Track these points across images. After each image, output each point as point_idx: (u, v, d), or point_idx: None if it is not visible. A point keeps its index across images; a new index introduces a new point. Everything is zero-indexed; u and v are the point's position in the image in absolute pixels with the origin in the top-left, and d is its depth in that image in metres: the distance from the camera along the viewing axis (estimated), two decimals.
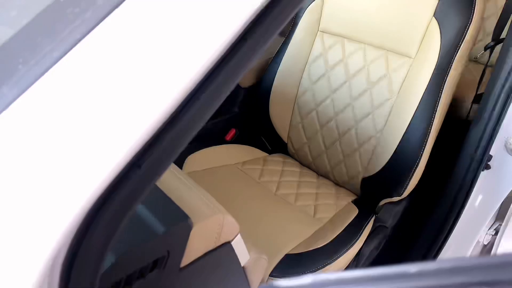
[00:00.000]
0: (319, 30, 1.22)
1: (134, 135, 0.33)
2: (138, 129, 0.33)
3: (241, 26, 0.36)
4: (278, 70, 1.28)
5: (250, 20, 0.37)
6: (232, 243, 0.57)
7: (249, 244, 0.61)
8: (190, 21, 0.36)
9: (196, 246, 0.51)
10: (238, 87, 1.37)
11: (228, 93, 0.39)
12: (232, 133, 1.36)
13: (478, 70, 1.46)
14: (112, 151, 0.33)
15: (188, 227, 0.48)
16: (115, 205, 0.33)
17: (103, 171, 0.32)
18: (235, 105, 1.39)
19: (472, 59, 1.17)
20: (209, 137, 1.32)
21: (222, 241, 0.55)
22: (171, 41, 0.36)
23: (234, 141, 1.36)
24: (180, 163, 1.16)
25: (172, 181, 0.54)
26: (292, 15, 0.40)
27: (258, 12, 0.37)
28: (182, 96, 0.35)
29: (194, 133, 0.38)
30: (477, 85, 1.16)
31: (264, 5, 0.37)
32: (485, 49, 1.07)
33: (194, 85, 0.35)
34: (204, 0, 0.36)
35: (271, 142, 1.37)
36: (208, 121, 1.38)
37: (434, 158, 1.17)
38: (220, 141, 1.30)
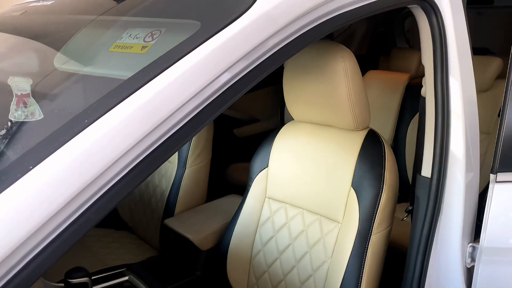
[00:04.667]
0: (266, 196, 1.37)
1: None
2: None
3: None
4: (233, 233, 1.39)
5: None
6: None
7: None
8: None
9: None
10: (198, 250, 1.47)
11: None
12: None
13: None
14: None
15: None
16: None
17: None
18: (196, 268, 1.47)
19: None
20: None
21: None
22: None
23: None
24: None
25: None
26: None
27: None
28: None
29: None
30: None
31: None
32: (407, 212, 1.17)
33: None
34: None
35: None
36: (168, 286, 1.41)
37: None
38: None
